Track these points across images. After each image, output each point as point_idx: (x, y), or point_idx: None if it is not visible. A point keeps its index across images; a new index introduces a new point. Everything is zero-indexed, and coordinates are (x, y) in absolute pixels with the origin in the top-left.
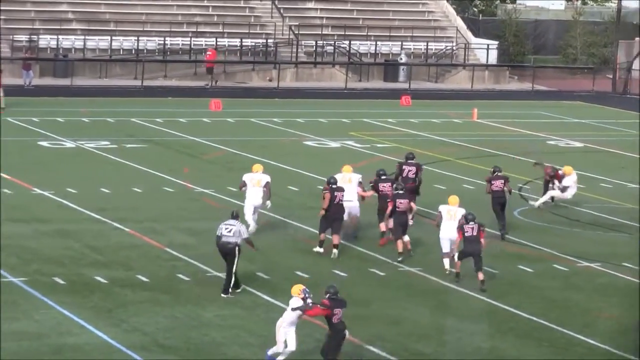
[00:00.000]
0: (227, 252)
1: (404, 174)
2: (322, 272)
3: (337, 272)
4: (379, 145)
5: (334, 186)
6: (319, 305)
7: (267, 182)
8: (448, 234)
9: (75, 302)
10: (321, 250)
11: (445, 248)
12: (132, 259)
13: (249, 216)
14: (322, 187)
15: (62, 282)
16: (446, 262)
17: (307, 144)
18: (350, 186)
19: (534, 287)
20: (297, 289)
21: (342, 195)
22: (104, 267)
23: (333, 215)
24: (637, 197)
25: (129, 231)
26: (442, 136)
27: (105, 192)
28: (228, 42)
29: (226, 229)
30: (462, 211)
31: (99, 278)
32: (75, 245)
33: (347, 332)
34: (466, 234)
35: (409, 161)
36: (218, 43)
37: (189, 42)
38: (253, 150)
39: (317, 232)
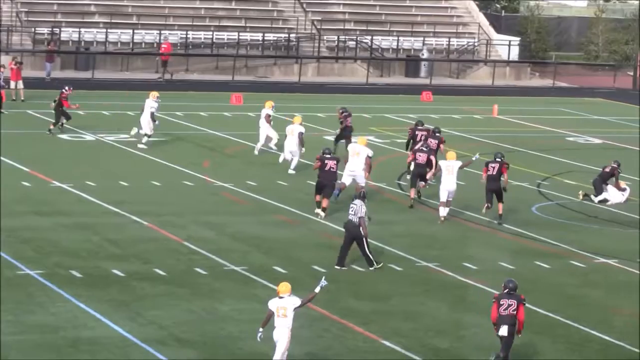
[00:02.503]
0: (352, 230)
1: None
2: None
3: (355, 267)
4: (399, 141)
5: (326, 155)
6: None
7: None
8: (446, 186)
9: (92, 295)
10: (319, 211)
11: (443, 198)
12: (150, 253)
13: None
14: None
15: (79, 275)
16: (441, 210)
17: (327, 138)
18: (358, 159)
19: (551, 284)
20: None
21: (334, 164)
22: (121, 260)
23: (323, 181)
24: None
25: (147, 225)
26: (462, 132)
27: (124, 186)
28: (250, 36)
29: (351, 208)
30: (459, 163)
31: (116, 271)
32: (93, 239)
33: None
34: (488, 173)
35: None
36: (240, 37)
37: (211, 36)
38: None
39: (335, 226)
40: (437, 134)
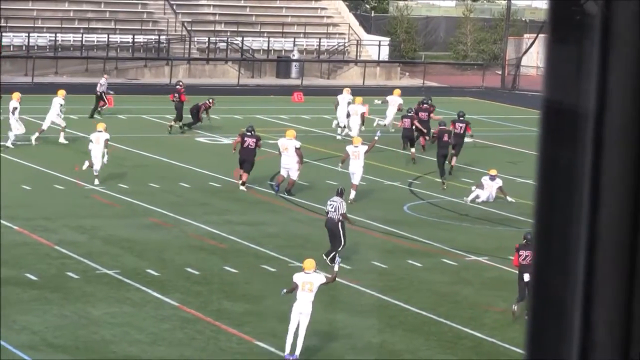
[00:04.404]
0: (332, 227)
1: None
2: (212, 269)
3: (228, 268)
4: (271, 142)
5: (247, 133)
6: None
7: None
8: (353, 170)
9: None
10: (242, 187)
11: (353, 180)
12: (20, 257)
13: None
14: (213, 184)
15: None
16: (352, 192)
17: (199, 140)
18: (288, 153)
19: (423, 282)
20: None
21: (253, 142)
22: None
23: (242, 157)
24: (524, 192)
25: (17, 229)
26: (333, 132)
27: None
28: (120, 38)
29: (330, 205)
30: (365, 148)
31: None
32: None
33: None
34: (455, 131)
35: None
36: (110, 39)
37: (80, 38)
38: (145, 147)
39: (207, 227)
40: (425, 105)
